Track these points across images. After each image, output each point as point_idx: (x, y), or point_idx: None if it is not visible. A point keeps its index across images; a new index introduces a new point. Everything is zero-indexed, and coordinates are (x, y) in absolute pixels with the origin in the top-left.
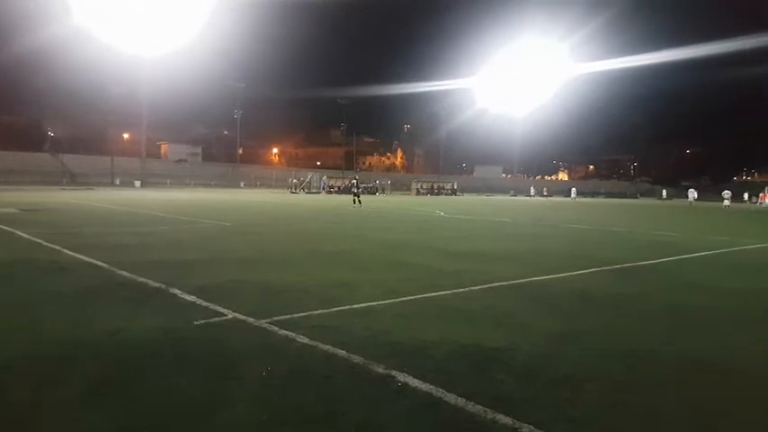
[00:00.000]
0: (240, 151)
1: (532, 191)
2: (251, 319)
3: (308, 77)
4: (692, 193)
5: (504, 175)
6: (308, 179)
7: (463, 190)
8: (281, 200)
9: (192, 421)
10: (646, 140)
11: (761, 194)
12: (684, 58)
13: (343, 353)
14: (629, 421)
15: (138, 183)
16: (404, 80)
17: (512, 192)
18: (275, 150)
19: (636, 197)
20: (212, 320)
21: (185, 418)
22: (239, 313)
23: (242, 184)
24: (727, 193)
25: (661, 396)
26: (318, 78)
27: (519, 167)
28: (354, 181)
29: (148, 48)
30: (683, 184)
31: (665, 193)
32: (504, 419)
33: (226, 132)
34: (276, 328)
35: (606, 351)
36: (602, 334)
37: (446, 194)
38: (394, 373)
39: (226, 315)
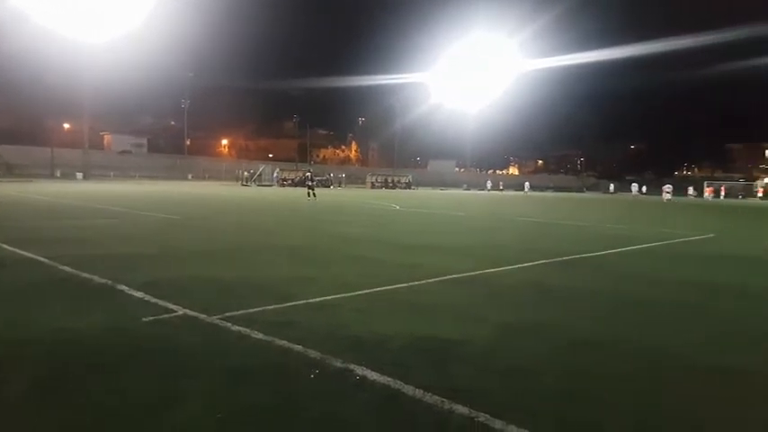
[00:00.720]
0: (188, 142)
1: (489, 185)
2: (203, 316)
3: (261, 67)
4: (635, 187)
5: (457, 169)
6: (259, 171)
7: (418, 184)
8: (232, 193)
9: (140, 421)
10: (592, 137)
11: (707, 189)
12: (628, 56)
13: (299, 348)
14: (583, 411)
15: (80, 175)
16: (359, 72)
17: (465, 186)
18: (225, 142)
19: (582, 191)
20: (162, 317)
21: (132, 418)
22: (190, 309)
23: (190, 177)
24: (668, 188)
25: (614, 385)
26: (271, 68)
27: (472, 162)
28: (308, 174)
29: (90, 33)
30: (627, 178)
31: (612, 187)
32: (462, 409)
33: (173, 123)
34: (229, 324)
35: (560, 342)
36: (555, 325)
37: (401, 188)
38: (352, 366)
39: (176, 311)
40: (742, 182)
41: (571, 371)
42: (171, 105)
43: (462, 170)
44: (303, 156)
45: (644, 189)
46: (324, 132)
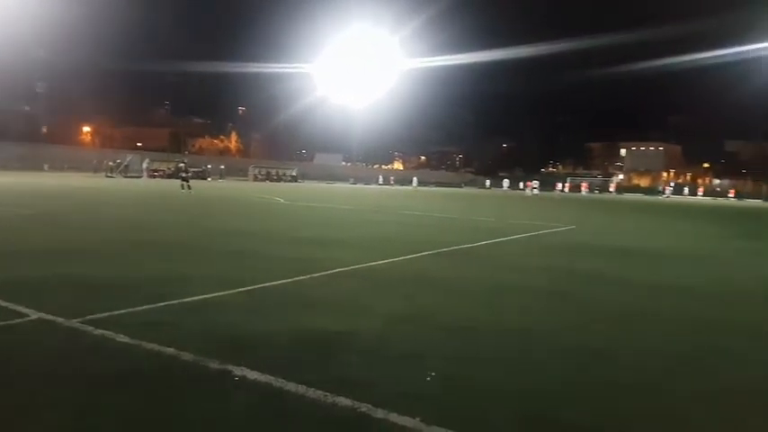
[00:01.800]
0: (44, 130)
1: (381, 179)
2: (60, 319)
3: (128, 48)
4: (507, 183)
5: (344, 163)
6: (126, 162)
7: (304, 177)
8: (96, 185)
9: None
10: (470, 135)
11: (560, 183)
12: (501, 59)
13: (171, 350)
14: (465, 393)
15: None
16: (240, 58)
17: (351, 180)
18: (88, 129)
19: (461, 186)
20: (12, 322)
21: None
22: (45, 313)
23: (46, 167)
24: (535, 183)
25: (491, 368)
26: (140, 50)
27: (358, 156)
28: (182, 165)
29: None
30: (501, 174)
31: (488, 182)
32: (345, 401)
33: (27, 108)
34: (91, 328)
35: (443, 328)
36: (438, 312)
37: (287, 181)
38: (230, 367)
39: (29, 315)
40: (600, 178)
41: (453, 356)
42: (24, 89)
43: (349, 164)
44: (177, 145)
45: (521, 185)
46: (200, 121)
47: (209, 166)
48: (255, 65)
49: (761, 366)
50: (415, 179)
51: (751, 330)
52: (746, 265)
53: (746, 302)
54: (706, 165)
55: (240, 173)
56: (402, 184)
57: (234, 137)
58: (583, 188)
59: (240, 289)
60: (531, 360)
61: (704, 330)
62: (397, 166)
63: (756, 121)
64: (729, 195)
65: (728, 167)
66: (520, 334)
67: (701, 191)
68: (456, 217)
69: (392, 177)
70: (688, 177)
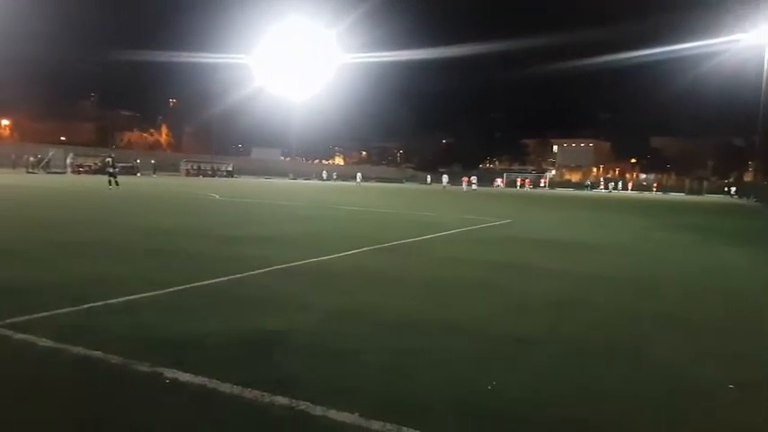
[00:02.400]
0: None
1: (325, 174)
2: None
3: (50, 35)
4: (446, 179)
5: (282, 157)
6: (48, 157)
7: (240, 172)
8: (15, 181)
9: None
10: (410, 130)
11: (499, 179)
12: (440, 57)
13: (98, 354)
14: (403, 386)
15: None
16: (171, 47)
17: (291, 175)
18: (6, 123)
19: (402, 182)
20: None
21: None
22: None
23: None
24: (474, 179)
25: (428, 360)
26: (63, 37)
27: (298, 151)
28: (109, 160)
29: None
30: (440, 170)
31: (429, 178)
32: (282, 400)
33: None
34: (10, 332)
35: (381, 323)
36: (376, 307)
37: (222, 176)
38: (161, 369)
39: None
40: (534, 173)
41: (391, 350)
42: None
43: (288, 159)
44: (103, 140)
45: (473, 180)
46: (129, 114)
47: (138, 161)
48: (188, 54)
49: (675, 350)
50: (359, 174)
51: (669, 317)
52: (668, 256)
53: (666, 291)
54: (633, 160)
55: (172, 168)
56: (344, 180)
57: (165, 130)
58: (519, 183)
59: (170, 289)
60: (465, 350)
61: (626, 318)
62: (338, 161)
63: (680, 118)
64: (653, 189)
65: (654, 162)
66: (455, 326)
67: (630, 185)
68: (397, 212)
69: (335, 173)
70: (617, 172)
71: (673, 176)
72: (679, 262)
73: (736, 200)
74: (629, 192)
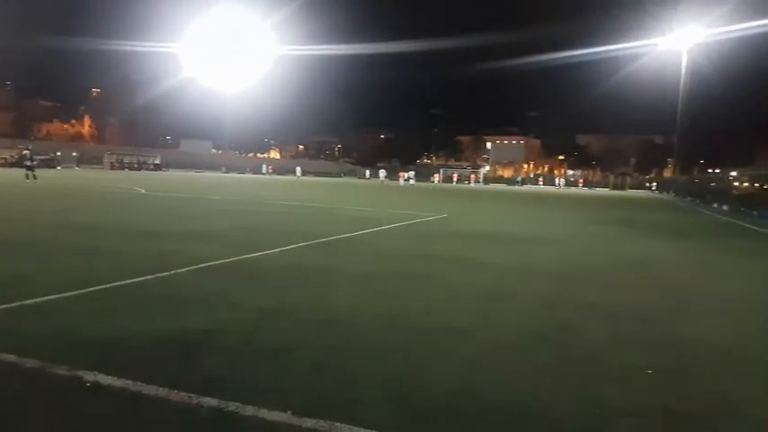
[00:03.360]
0: None
1: (264, 169)
2: None
3: None
4: (383, 173)
5: (214, 150)
6: None
7: (168, 165)
8: None
9: None
10: (348, 125)
11: (437, 174)
12: (378, 52)
13: (12, 357)
14: (335, 383)
15: None
16: (93, 34)
17: (223, 168)
18: None
19: (341, 176)
20: None
21: None
22: None
23: None
24: (411, 173)
25: (360, 355)
26: None
27: (230, 144)
28: (27, 152)
29: None
30: (379, 165)
31: (368, 173)
32: (211, 402)
33: None
34: None
35: (314, 320)
36: (309, 304)
37: (149, 170)
38: (81, 373)
39: None
40: (469, 169)
41: (323, 346)
42: None
43: (220, 152)
44: (21, 131)
45: (410, 175)
46: (48, 104)
47: (58, 154)
48: (112, 42)
49: (597, 337)
50: (298, 168)
51: (593, 306)
52: (594, 248)
53: (591, 282)
54: (561, 157)
55: (95, 161)
56: (280, 174)
57: (87, 121)
58: (455, 179)
59: (92, 288)
60: (398, 343)
61: (552, 308)
62: (274, 154)
63: (604, 116)
64: (579, 184)
65: (581, 159)
66: (388, 319)
67: (562, 181)
68: (333, 207)
69: (270, 166)
70: (546, 169)
71: (598, 172)
72: (603, 253)
73: (656, 194)
74: (560, 187)
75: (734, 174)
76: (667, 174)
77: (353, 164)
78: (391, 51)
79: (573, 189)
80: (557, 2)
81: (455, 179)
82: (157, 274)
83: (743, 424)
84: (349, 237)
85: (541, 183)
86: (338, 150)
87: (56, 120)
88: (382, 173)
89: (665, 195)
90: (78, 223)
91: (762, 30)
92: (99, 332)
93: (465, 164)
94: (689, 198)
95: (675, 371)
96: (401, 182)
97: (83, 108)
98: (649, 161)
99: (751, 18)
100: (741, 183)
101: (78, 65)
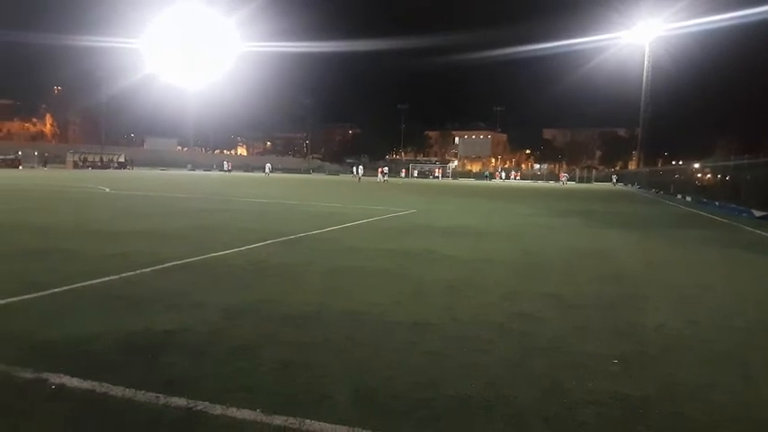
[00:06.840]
0: None
1: (225, 165)
2: None
3: None
4: (361, 170)
5: (180, 147)
6: None
7: (133, 163)
8: None
9: None
10: (315, 121)
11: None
12: (344, 49)
13: None
14: (303, 379)
15: None
16: (51, 29)
17: (189, 166)
18: None
19: (309, 173)
20: None
21: None
22: None
23: None
24: (385, 169)
25: (328, 351)
26: None
27: (196, 141)
28: None
29: None
30: (348, 161)
31: (337, 168)
32: (179, 401)
33: None
34: None
35: (279, 317)
36: (276, 302)
37: (115, 168)
38: (45, 375)
39: None
40: (438, 164)
41: (290, 343)
42: None
43: (185, 149)
44: None
45: (386, 170)
46: (7, 102)
47: (20, 153)
48: (72, 37)
49: (560, 328)
50: (268, 165)
51: (556, 298)
52: (557, 240)
53: (553, 273)
54: (528, 151)
55: (58, 160)
56: (246, 171)
57: (49, 119)
58: (436, 173)
59: (53, 290)
60: (365, 338)
61: (515, 299)
62: (241, 151)
63: (569, 111)
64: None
65: (546, 153)
66: (356, 315)
67: (516, 175)
68: (303, 204)
69: (230, 163)
70: (513, 162)
71: (564, 166)
72: (566, 245)
73: (621, 187)
74: (525, 181)
75: (696, 165)
76: (632, 166)
77: (321, 160)
78: (357, 48)
79: (540, 183)
80: None
81: (429, 174)
82: (121, 275)
83: (704, 407)
84: (317, 233)
85: (514, 177)
86: (306, 146)
87: (16, 118)
88: (360, 170)
89: (629, 187)
90: (40, 224)
91: (722, 24)
92: (63, 334)
93: (434, 159)
94: (653, 190)
95: (638, 360)
96: (379, 177)
97: (44, 106)
98: (614, 154)
99: (711, 12)
100: (704, 174)
101: (38, 61)
